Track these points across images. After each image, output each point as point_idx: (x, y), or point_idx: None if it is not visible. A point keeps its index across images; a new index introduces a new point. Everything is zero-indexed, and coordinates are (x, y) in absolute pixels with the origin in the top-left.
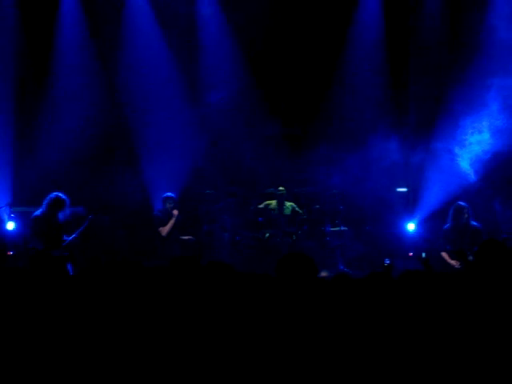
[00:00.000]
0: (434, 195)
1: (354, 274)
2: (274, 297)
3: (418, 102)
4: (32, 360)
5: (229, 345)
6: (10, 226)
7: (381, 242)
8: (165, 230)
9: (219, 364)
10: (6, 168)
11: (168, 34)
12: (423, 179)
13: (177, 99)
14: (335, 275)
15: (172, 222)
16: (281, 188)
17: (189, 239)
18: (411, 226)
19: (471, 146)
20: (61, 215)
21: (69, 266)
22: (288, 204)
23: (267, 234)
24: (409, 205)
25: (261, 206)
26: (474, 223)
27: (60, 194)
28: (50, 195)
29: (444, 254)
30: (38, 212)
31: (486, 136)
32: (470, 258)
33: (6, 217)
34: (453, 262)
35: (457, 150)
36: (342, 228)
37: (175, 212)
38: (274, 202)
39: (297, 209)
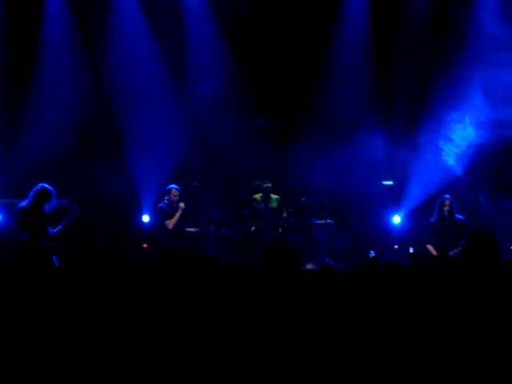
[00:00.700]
0: (419, 188)
1: (339, 266)
2: (258, 288)
3: (404, 96)
4: (17, 352)
5: (213, 336)
6: None
7: (366, 234)
8: (171, 222)
9: (205, 355)
10: None
11: (155, 26)
12: (409, 172)
13: (163, 91)
14: (320, 268)
15: (178, 214)
16: (267, 182)
17: (195, 231)
18: (397, 219)
19: (456, 140)
20: (46, 207)
21: (54, 258)
22: (274, 197)
23: (253, 227)
24: (394, 198)
25: (256, 196)
26: (459, 216)
27: (46, 186)
28: (36, 186)
29: (429, 247)
30: (24, 203)
31: (470, 130)
32: (455, 251)
33: None
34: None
35: (442, 143)
36: (328, 221)
37: (181, 204)
38: (259, 196)
39: (282, 206)
